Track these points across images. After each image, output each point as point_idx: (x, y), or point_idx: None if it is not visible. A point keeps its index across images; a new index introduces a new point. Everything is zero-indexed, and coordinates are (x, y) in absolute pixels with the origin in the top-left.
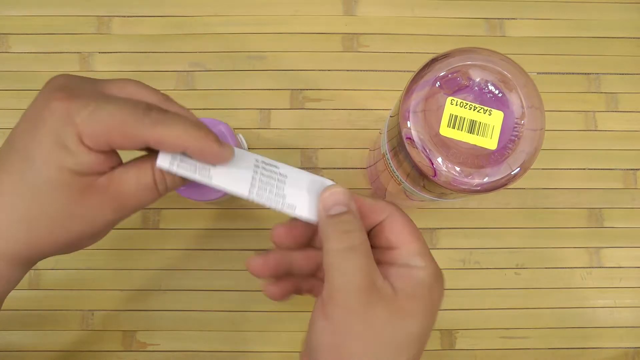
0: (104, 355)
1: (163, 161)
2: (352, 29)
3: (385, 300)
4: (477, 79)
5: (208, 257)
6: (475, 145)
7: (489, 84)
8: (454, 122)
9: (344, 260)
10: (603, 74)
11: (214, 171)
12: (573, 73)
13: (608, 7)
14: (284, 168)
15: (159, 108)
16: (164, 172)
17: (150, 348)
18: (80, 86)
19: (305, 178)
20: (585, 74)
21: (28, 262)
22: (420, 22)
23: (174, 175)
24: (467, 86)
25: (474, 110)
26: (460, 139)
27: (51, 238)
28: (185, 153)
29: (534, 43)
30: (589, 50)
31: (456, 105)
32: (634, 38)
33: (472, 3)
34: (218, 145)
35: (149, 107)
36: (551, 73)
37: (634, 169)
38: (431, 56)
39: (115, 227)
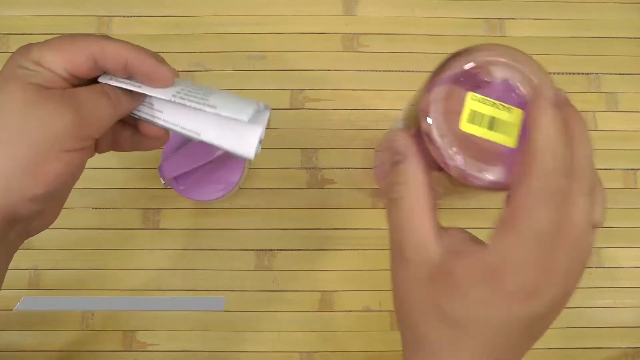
0: (104, 355)
1: (104, 78)
2: (352, 29)
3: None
4: (500, 77)
5: (208, 257)
6: (495, 142)
7: (511, 83)
8: (474, 117)
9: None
10: (603, 74)
11: (145, 88)
12: (573, 73)
13: (608, 7)
14: (212, 95)
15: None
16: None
17: (150, 348)
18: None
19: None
20: (585, 74)
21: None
22: (420, 22)
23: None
24: (489, 83)
25: (494, 106)
26: (480, 135)
27: (37, 171)
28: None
29: (534, 43)
30: (589, 50)
31: (477, 101)
32: (634, 38)
33: (472, 3)
34: (156, 62)
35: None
36: (551, 73)
37: (634, 169)
38: (431, 56)
39: (115, 227)
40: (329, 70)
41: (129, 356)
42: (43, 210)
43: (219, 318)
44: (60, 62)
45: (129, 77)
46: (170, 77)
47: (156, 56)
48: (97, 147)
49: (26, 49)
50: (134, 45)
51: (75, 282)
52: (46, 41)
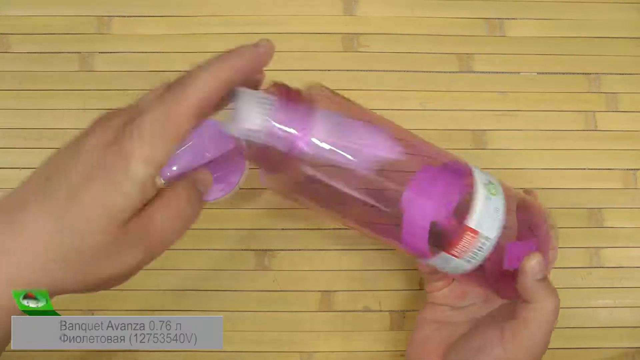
0: (104, 355)
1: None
2: (352, 29)
3: None
4: None
5: (208, 257)
6: None
7: None
8: None
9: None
10: (603, 74)
11: None
12: (573, 73)
13: (608, 7)
14: None
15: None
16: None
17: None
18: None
19: None
20: (585, 74)
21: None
22: (420, 22)
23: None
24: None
25: None
26: None
27: (82, 279)
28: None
29: (534, 43)
30: (589, 50)
31: None
32: (634, 38)
33: (472, 3)
34: (253, 47)
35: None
36: (551, 73)
37: (634, 169)
38: (431, 56)
39: None
40: (329, 70)
41: (129, 356)
42: None
43: None
44: (157, 153)
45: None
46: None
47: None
48: None
49: (117, 145)
50: (219, 58)
51: None
52: (138, 124)
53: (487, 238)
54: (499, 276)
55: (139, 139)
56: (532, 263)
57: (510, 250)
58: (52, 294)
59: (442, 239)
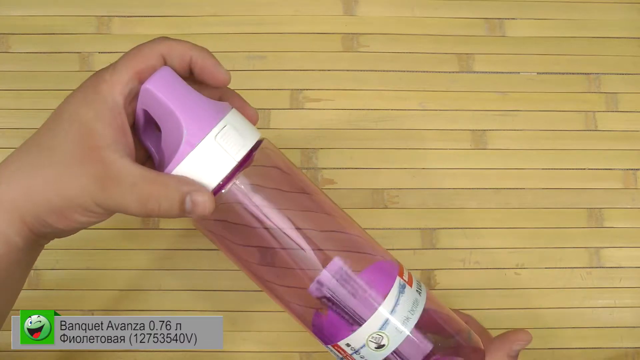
0: (104, 355)
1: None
2: (352, 29)
3: None
4: None
5: (208, 257)
6: None
7: None
8: None
9: None
10: (603, 74)
11: None
12: (573, 73)
13: (608, 7)
14: None
15: None
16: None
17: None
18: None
19: None
20: (585, 74)
21: (29, 224)
22: (420, 22)
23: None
24: None
25: None
26: None
27: (51, 188)
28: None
29: (534, 43)
30: (589, 50)
31: None
32: (634, 38)
33: (472, 3)
34: (217, 61)
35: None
36: (551, 73)
37: (634, 169)
38: (431, 56)
39: (115, 227)
40: (329, 70)
41: (129, 356)
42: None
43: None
44: (132, 71)
45: (190, 75)
46: (227, 78)
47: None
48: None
49: (96, 75)
50: (195, 44)
51: (75, 282)
52: (118, 60)
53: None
54: None
55: (112, 68)
56: None
57: None
58: (27, 213)
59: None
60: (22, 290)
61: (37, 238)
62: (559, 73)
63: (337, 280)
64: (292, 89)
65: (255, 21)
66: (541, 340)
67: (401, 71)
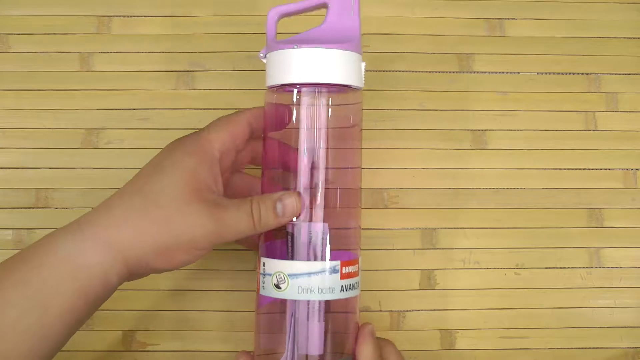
0: (104, 355)
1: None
2: None
3: None
4: None
5: (208, 257)
6: None
7: None
8: None
9: None
10: (603, 74)
11: None
12: (573, 73)
13: (608, 7)
14: None
15: None
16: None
17: (150, 348)
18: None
19: None
20: (585, 74)
21: (130, 265)
22: (420, 22)
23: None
24: None
25: None
26: None
27: (161, 229)
28: None
29: (534, 43)
30: (589, 50)
31: None
32: (634, 38)
33: (472, 3)
34: None
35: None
36: (551, 73)
37: (634, 169)
38: (431, 56)
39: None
40: None
41: (129, 356)
42: None
43: (219, 318)
44: (228, 133)
45: None
46: None
47: None
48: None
49: (196, 133)
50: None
51: None
52: (210, 124)
53: None
54: None
55: (208, 129)
56: None
57: None
58: (130, 258)
59: None
60: None
61: (129, 277)
62: (559, 73)
63: (307, 234)
64: None
65: (255, 21)
66: (541, 340)
67: (401, 71)
